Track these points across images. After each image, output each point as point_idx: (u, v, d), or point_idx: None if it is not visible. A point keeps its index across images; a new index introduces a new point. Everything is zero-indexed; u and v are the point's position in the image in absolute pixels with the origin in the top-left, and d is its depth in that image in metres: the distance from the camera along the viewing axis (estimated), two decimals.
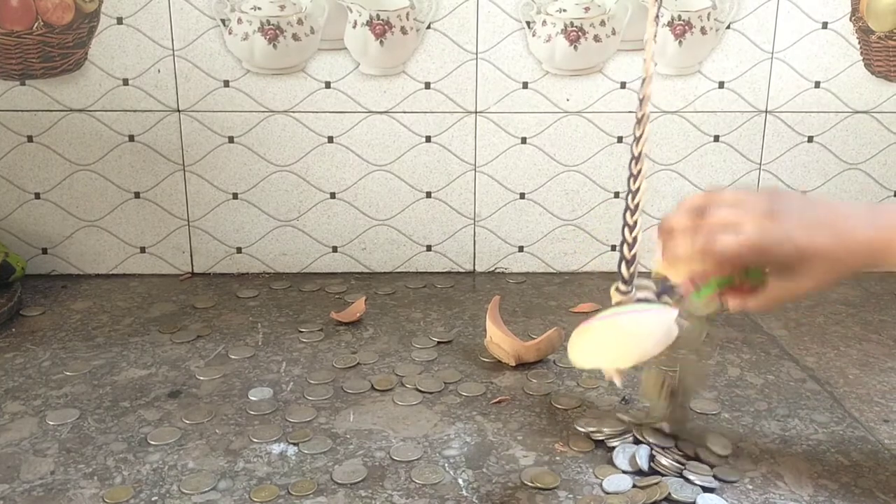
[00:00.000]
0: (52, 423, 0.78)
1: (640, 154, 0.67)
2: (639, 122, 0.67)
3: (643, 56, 0.67)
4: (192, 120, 1.13)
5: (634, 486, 0.69)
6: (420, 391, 0.85)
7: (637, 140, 0.67)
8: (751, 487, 0.69)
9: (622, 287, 0.69)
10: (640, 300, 0.68)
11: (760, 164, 1.18)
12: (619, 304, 0.69)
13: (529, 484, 0.69)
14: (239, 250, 1.19)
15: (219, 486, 0.69)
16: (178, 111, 1.13)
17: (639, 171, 0.67)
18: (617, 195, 1.18)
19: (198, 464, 0.72)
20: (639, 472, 0.70)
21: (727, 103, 1.15)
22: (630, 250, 0.68)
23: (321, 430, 0.77)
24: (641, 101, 0.67)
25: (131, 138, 1.14)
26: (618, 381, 0.68)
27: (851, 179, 1.19)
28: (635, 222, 0.68)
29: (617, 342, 0.64)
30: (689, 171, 1.18)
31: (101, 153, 1.14)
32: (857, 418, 0.81)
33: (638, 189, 0.68)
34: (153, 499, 0.67)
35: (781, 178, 1.18)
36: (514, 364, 0.90)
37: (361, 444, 0.75)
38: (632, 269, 0.68)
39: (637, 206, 0.68)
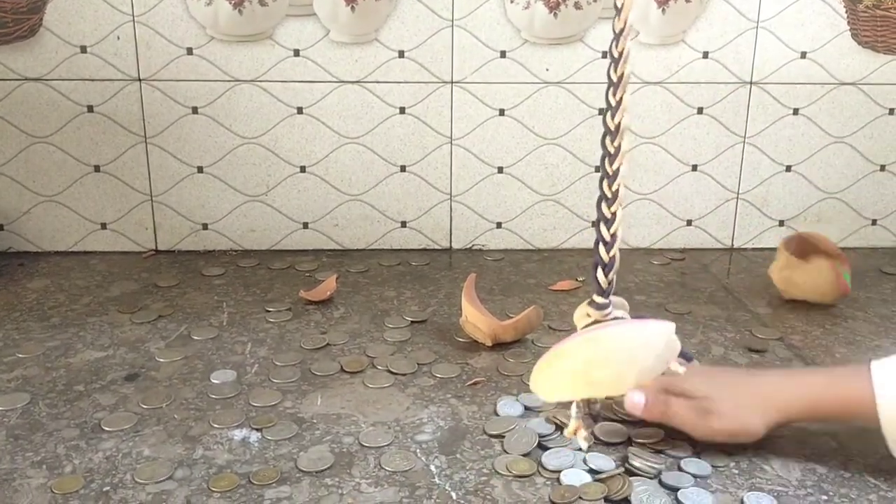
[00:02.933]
0: (0, 408, 0.74)
1: (618, 126, 0.53)
2: (615, 86, 0.54)
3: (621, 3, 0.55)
4: (154, 89, 1.08)
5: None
6: (392, 373, 0.81)
7: (613, 109, 0.53)
8: (737, 472, 0.66)
9: (598, 300, 0.53)
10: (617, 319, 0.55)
11: (745, 137, 1.15)
12: (589, 325, 0.56)
13: (505, 471, 0.65)
14: (205, 226, 1.14)
15: (175, 475, 0.64)
16: (139, 80, 1.07)
17: (617, 149, 0.53)
18: (598, 169, 1.14)
19: (154, 451, 0.68)
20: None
21: (711, 74, 1.12)
22: (608, 251, 0.52)
23: (286, 415, 0.73)
24: (618, 60, 0.55)
25: (90, 109, 1.08)
26: (583, 443, 0.60)
27: (837, 153, 1.16)
28: (614, 214, 0.52)
29: (604, 364, 0.52)
30: (671, 145, 1.14)
31: (58, 124, 1.09)
32: None
33: (616, 172, 0.52)
34: (104, 489, 0.63)
35: (766, 152, 1.15)
36: (490, 344, 0.86)
37: (329, 429, 0.71)
38: (610, 276, 0.52)
39: (616, 193, 0.52)
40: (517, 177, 1.14)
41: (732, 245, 1.19)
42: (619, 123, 0.54)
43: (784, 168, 1.16)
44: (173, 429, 0.71)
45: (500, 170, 1.14)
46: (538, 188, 1.15)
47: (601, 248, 0.53)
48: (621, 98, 0.54)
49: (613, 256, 0.53)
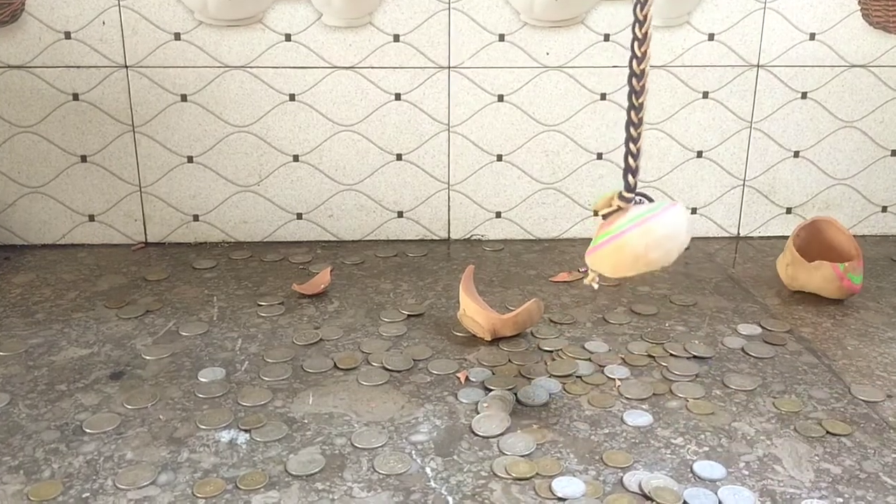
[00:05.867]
0: None
1: (644, 53, 0.63)
2: (640, 22, 0.63)
3: None
4: (141, 76, 1.04)
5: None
6: (387, 369, 0.78)
7: (640, 40, 0.63)
8: (746, 473, 0.63)
9: (626, 195, 0.66)
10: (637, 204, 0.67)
11: (751, 122, 1.11)
12: (612, 212, 0.66)
13: (504, 474, 0.62)
14: (196, 218, 1.11)
15: (158, 480, 0.61)
16: (126, 67, 1.04)
17: (642, 71, 0.64)
18: (600, 156, 1.11)
19: (137, 454, 0.65)
20: None
21: (717, 57, 1.08)
22: (635, 160, 0.66)
23: (276, 415, 0.70)
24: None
25: (75, 97, 1.05)
26: (595, 284, 0.68)
27: (847, 138, 1.13)
28: (639, 134, 0.65)
29: (656, 245, 0.64)
30: (675, 131, 1.11)
31: (43, 113, 1.05)
32: (857, 394, 0.75)
33: (642, 90, 0.64)
34: (84, 495, 0.60)
35: (773, 137, 1.12)
36: (489, 339, 0.83)
37: (320, 429, 0.68)
38: (636, 179, 0.66)
39: (641, 107, 0.65)
40: (517, 165, 1.11)
41: (739, 233, 1.16)
42: (646, 51, 0.63)
43: (792, 154, 1.13)
44: (158, 430, 0.68)
45: (500, 157, 1.11)
46: (538, 176, 1.12)
47: (630, 160, 0.66)
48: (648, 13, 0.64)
49: (639, 165, 0.66)
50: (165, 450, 0.65)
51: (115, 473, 0.62)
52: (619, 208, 0.66)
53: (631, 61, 0.64)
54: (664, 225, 0.64)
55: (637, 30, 0.63)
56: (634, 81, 0.64)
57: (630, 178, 0.67)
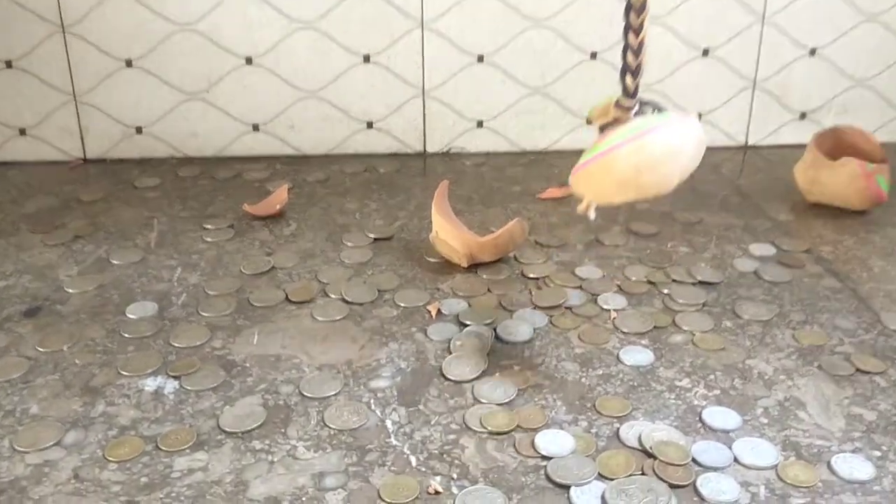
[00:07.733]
0: None
1: None
2: None
3: None
4: None
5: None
6: (347, 302, 0.68)
7: None
8: (765, 421, 0.54)
9: (625, 102, 0.55)
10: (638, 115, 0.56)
11: (764, 16, 0.99)
12: (610, 123, 0.56)
13: (478, 427, 0.53)
14: (139, 130, 0.99)
15: (64, 441, 0.52)
16: None
17: None
18: (594, 56, 0.99)
19: (43, 408, 0.55)
20: None
21: (719, 9, 0.95)
22: (636, 57, 0.55)
23: (213, 358, 0.60)
24: None
25: None
26: (593, 213, 0.57)
27: (869, 34, 1.00)
28: (641, 23, 0.54)
29: (650, 166, 0.54)
30: (678, 25, 0.98)
31: None
32: (889, 323, 0.65)
33: None
34: None
35: (788, 32, 0.99)
36: (466, 265, 0.73)
37: (264, 375, 0.58)
38: (637, 80, 0.56)
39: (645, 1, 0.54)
40: (500, 66, 0.98)
41: (746, 142, 1.05)
42: None
43: (808, 51, 1.01)
44: (72, 378, 0.58)
45: (480, 58, 0.98)
46: (525, 80, 0.99)
47: (629, 55, 0.54)
48: None
49: (641, 62, 0.55)
50: (78, 402, 0.55)
51: (14, 432, 0.52)
52: (617, 119, 0.56)
53: None
54: (663, 141, 0.54)
55: None
56: None
57: (629, 79, 0.55)
